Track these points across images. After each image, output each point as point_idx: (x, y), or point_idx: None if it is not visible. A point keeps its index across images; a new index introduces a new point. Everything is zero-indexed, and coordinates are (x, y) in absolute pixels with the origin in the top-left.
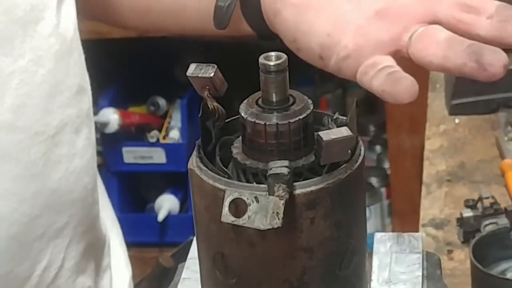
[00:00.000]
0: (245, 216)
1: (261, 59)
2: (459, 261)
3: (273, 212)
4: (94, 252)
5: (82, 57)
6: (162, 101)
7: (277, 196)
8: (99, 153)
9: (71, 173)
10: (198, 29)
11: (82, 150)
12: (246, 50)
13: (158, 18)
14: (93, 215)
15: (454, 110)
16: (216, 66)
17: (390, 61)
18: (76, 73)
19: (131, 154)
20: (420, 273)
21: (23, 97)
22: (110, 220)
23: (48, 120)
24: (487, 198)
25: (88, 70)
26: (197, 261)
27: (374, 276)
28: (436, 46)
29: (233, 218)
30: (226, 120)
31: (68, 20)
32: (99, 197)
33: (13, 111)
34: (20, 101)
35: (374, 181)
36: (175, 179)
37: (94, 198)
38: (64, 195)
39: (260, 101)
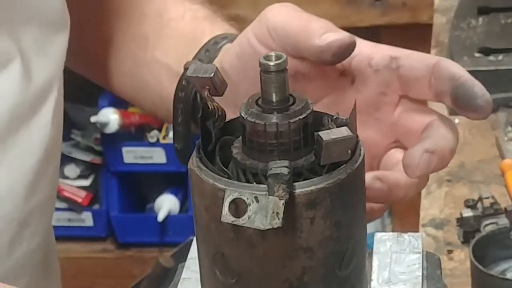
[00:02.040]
0: (245, 216)
1: (261, 59)
2: (459, 261)
3: (273, 212)
4: None
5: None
6: None
7: (277, 196)
8: (99, 153)
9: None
10: (151, 109)
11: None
12: None
13: (127, 86)
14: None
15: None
16: (216, 66)
17: None
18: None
19: (131, 154)
20: (420, 273)
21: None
22: None
23: None
24: (487, 198)
25: None
26: (197, 261)
27: (374, 276)
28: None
29: (233, 218)
30: (226, 120)
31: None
32: None
33: None
34: None
35: None
36: (175, 179)
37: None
38: None
39: (260, 101)
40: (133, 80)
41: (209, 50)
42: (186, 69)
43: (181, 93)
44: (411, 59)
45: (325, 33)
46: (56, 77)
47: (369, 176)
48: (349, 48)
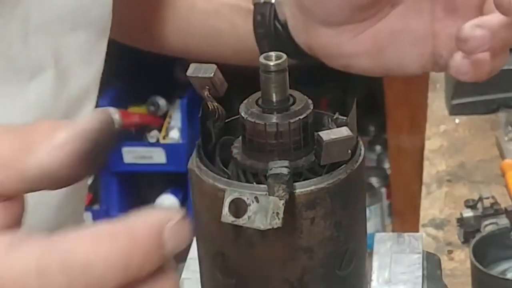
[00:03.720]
0: (245, 216)
1: (261, 59)
2: (459, 261)
3: (273, 212)
4: None
5: None
6: (162, 101)
7: (277, 196)
8: None
9: None
10: (233, 58)
11: None
12: None
13: (197, 44)
14: None
15: (454, 110)
16: (216, 66)
17: None
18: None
19: (131, 154)
20: (420, 273)
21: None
22: None
23: None
24: (487, 198)
25: None
26: (197, 261)
27: (374, 276)
28: None
29: (233, 218)
30: (226, 120)
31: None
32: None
33: None
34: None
35: (374, 181)
36: (175, 179)
37: None
38: None
39: (260, 101)
40: (201, 33)
41: None
42: (255, 4)
43: (260, 29)
44: None
45: None
46: (93, 85)
47: (467, 26)
48: None
